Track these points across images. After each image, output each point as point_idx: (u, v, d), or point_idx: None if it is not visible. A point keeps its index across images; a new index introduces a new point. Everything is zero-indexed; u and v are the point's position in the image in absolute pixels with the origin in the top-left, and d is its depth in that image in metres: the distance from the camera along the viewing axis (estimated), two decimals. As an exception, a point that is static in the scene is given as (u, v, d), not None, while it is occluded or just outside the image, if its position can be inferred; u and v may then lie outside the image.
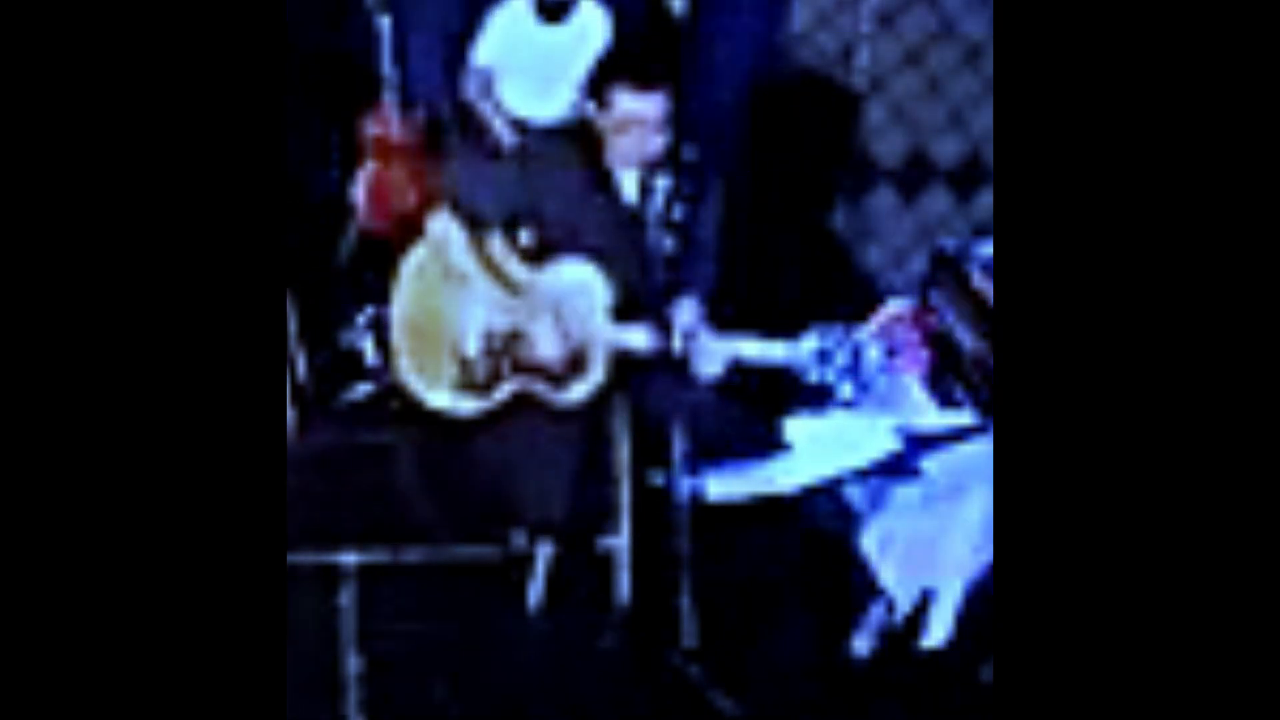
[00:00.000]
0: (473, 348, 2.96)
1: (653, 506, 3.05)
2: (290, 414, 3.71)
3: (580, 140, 2.91)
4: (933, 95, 4.62)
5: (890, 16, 4.49)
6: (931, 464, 3.02)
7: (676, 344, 2.83)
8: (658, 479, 3.05)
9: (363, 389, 3.95)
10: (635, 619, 3.12)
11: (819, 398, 2.91)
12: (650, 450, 3.05)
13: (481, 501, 3.25)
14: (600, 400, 2.96)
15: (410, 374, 3.00)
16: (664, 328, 2.85)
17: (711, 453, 2.94)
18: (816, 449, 2.94)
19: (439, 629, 3.16)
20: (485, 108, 4.11)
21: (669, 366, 2.87)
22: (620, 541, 3.11)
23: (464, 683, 3.01)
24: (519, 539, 3.29)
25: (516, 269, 2.93)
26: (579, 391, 2.92)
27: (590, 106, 2.87)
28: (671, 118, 2.83)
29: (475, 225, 2.92)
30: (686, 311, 2.88)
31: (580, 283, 2.87)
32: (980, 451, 2.94)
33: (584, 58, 3.99)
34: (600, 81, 2.85)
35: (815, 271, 4.65)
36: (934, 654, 3.17)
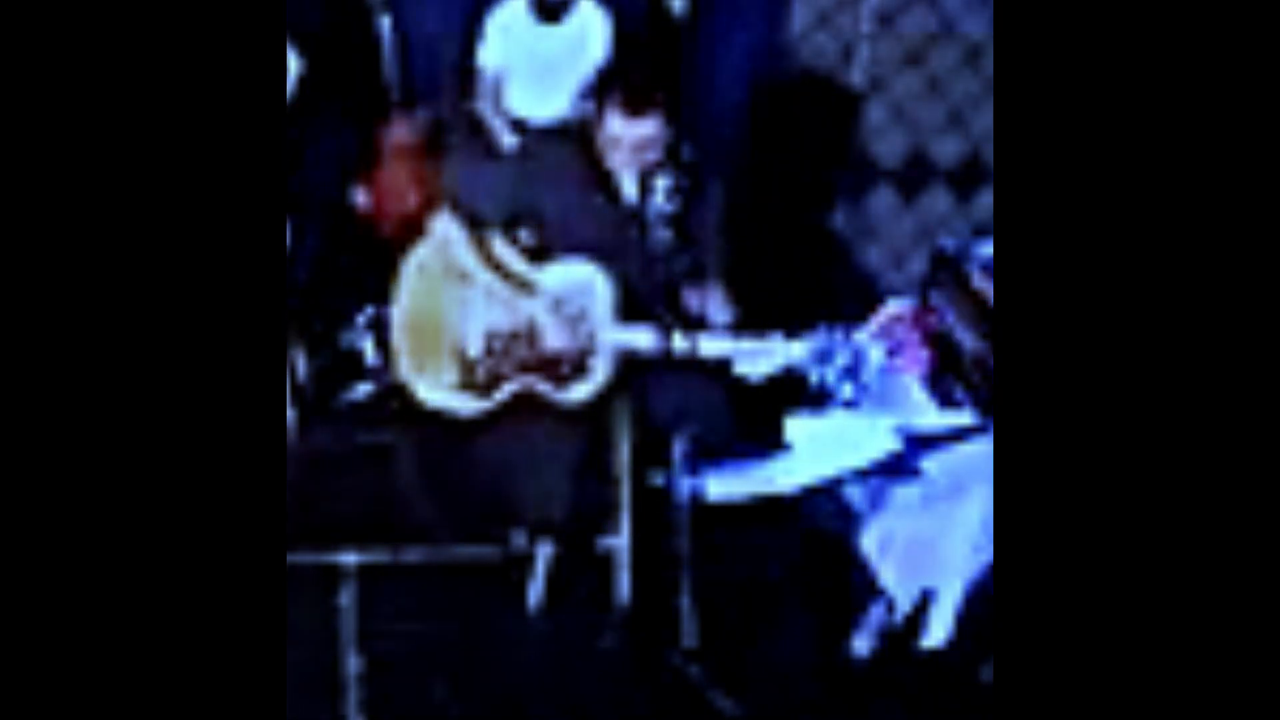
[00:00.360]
0: (474, 348, 2.96)
1: (653, 506, 3.04)
2: (290, 414, 3.71)
3: (580, 140, 2.91)
4: (933, 95, 4.62)
5: (890, 16, 4.49)
6: (931, 464, 3.02)
7: (704, 344, 2.82)
8: (658, 479, 3.05)
9: (363, 389, 3.95)
10: (635, 619, 3.11)
11: (819, 398, 2.91)
12: (650, 450, 3.05)
13: (482, 501, 3.25)
14: (602, 400, 2.96)
15: (411, 374, 3.00)
16: (666, 328, 2.85)
17: (712, 453, 2.94)
18: (816, 449, 2.94)
19: (439, 629, 3.16)
20: (485, 108, 4.11)
21: (671, 366, 2.87)
22: (620, 541, 3.11)
23: (464, 683, 3.01)
24: (519, 539, 3.28)
25: (518, 269, 2.93)
26: (581, 392, 2.92)
27: (589, 108, 2.88)
28: (665, 136, 2.83)
29: (475, 225, 2.93)
30: (717, 310, 2.87)
31: (582, 282, 2.88)
32: (980, 451, 2.94)
33: (583, 58, 4.01)
34: (595, 96, 2.86)
35: (815, 271, 4.65)
36: (934, 654, 3.16)
